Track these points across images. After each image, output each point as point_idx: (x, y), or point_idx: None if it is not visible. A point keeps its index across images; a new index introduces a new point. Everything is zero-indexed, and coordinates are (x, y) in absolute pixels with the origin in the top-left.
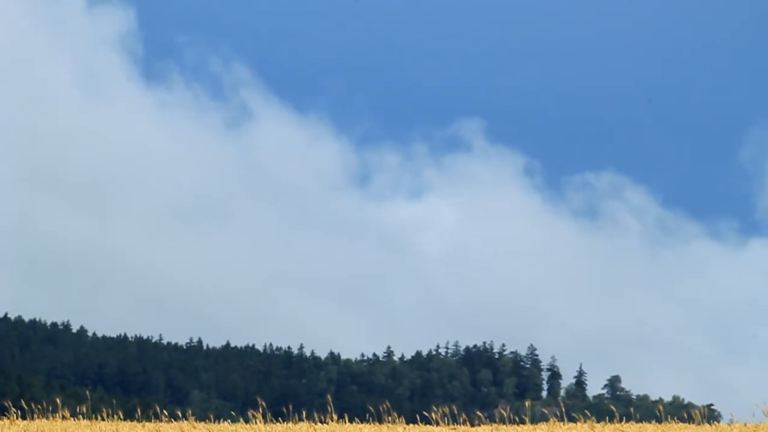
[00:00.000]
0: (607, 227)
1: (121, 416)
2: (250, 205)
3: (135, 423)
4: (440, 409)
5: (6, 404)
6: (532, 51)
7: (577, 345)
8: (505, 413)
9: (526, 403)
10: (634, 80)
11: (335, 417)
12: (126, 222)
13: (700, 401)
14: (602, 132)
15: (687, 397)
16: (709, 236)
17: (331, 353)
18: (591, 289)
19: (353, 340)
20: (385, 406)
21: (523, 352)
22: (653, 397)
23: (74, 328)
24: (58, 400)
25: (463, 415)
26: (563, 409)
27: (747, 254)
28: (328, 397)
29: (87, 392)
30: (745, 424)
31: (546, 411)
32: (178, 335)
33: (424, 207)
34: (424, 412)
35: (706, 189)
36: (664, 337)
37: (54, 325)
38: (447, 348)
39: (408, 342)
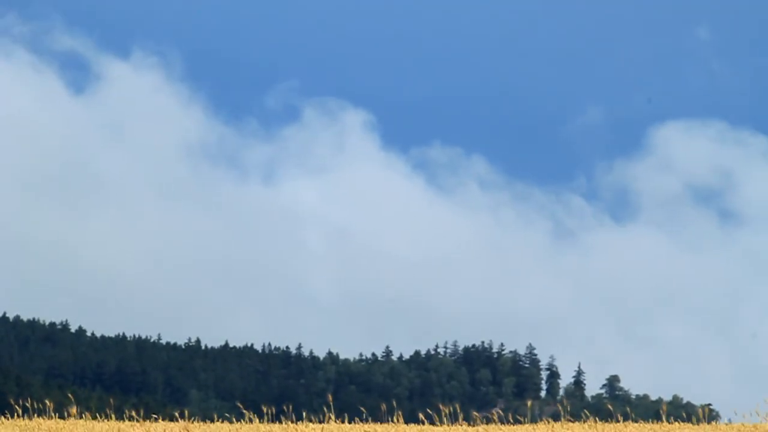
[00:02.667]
0: (456, 194)
1: (117, 415)
2: (114, 173)
3: (133, 422)
4: (447, 408)
5: (7, 403)
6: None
7: (478, 324)
8: (496, 414)
9: (528, 403)
10: (462, 52)
11: (331, 417)
12: None
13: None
14: (436, 104)
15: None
16: (561, 205)
17: (330, 353)
18: (478, 265)
19: (245, 326)
20: (383, 406)
21: (522, 351)
22: (653, 397)
23: (73, 328)
24: (56, 400)
25: (461, 415)
26: (567, 408)
27: (605, 227)
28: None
29: (71, 394)
30: (743, 424)
31: (558, 409)
32: (176, 335)
33: (286, 184)
34: (428, 410)
35: (540, 162)
36: (558, 312)
37: (52, 324)
38: (446, 348)
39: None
